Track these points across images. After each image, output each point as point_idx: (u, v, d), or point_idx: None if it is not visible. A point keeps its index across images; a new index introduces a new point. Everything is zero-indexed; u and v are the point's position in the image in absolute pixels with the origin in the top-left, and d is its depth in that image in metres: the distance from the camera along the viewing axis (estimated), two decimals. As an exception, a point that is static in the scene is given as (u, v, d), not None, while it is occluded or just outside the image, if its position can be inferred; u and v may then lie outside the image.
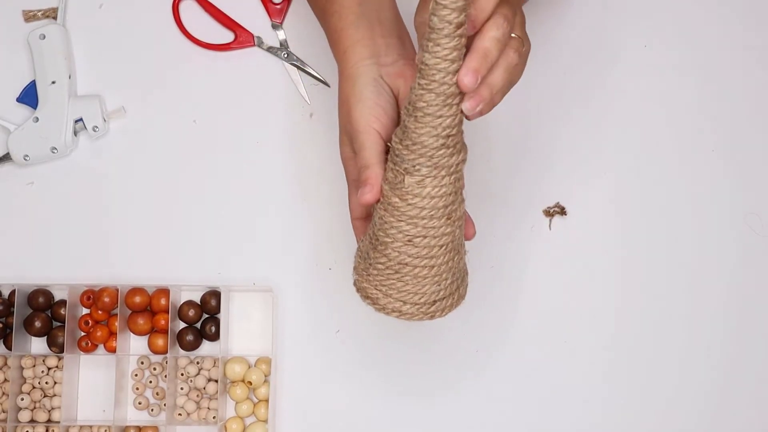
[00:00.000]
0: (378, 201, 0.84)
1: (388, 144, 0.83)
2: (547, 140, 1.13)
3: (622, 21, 1.15)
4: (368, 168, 0.85)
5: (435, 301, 0.86)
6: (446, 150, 0.79)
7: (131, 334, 1.10)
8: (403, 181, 0.80)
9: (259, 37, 1.14)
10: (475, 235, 0.89)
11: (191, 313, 1.09)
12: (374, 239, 0.85)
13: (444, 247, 0.83)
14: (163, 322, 1.08)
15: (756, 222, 1.12)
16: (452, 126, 0.78)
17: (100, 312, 1.09)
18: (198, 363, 1.09)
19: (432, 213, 0.81)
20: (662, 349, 1.10)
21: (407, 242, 0.82)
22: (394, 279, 0.85)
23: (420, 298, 0.85)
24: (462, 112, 0.79)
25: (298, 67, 1.14)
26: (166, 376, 1.08)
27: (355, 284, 0.89)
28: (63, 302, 1.09)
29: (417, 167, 0.80)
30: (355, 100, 0.86)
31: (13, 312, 1.07)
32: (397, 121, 0.86)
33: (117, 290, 1.08)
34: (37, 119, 1.10)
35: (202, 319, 1.10)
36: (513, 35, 0.81)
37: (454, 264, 0.85)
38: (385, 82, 0.88)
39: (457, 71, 0.76)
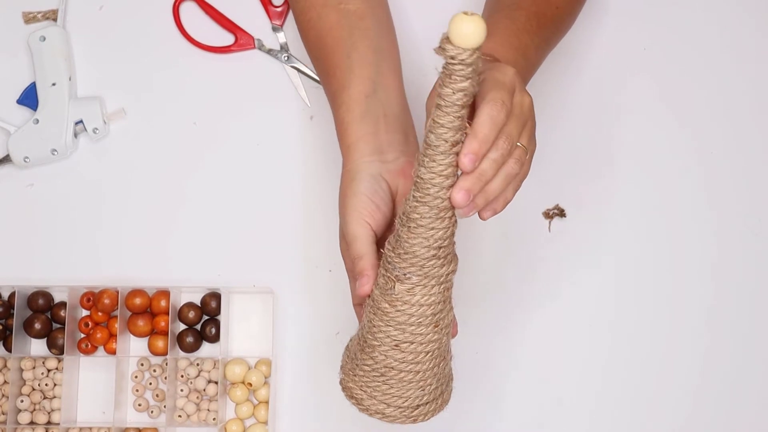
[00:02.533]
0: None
1: (381, 250, 0.85)
2: (546, 143, 1.12)
3: (621, 24, 1.15)
4: (361, 259, 0.87)
5: (418, 406, 0.87)
6: (437, 261, 0.81)
7: (131, 335, 1.09)
8: (394, 287, 0.82)
9: (259, 40, 1.14)
10: (456, 335, 0.90)
11: (191, 314, 1.09)
12: (362, 341, 0.86)
13: (430, 354, 0.84)
14: (163, 323, 1.08)
15: (756, 223, 1.13)
16: (444, 238, 0.80)
17: (100, 314, 1.09)
18: (198, 365, 1.09)
19: (420, 320, 0.82)
20: (662, 350, 1.10)
21: (394, 347, 0.84)
22: (379, 381, 0.86)
23: (404, 402, 0.86)
24: (454, 224, 0.80)
25: (299, 70, 1.14)
26: (166, 378, 1.08)
27: (341, 383, 0.90)
28: (63, 304, 1.09)
29: (408, 275, 0.81)
30: (350, 193, 0.89)
31: (13, 314, 1.07)
32: (391, 219, 0.89)
33: (117, 292, 1.08)
34: (37, 121, 1.10)
35: (202, 321, 1.10)
36: (518, 144, 0.81)
37: (439, 370, 0.86)
38: (384, 179, 0.90)
39: (451, 186, 0.77)
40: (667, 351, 1.10)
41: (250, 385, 1.07)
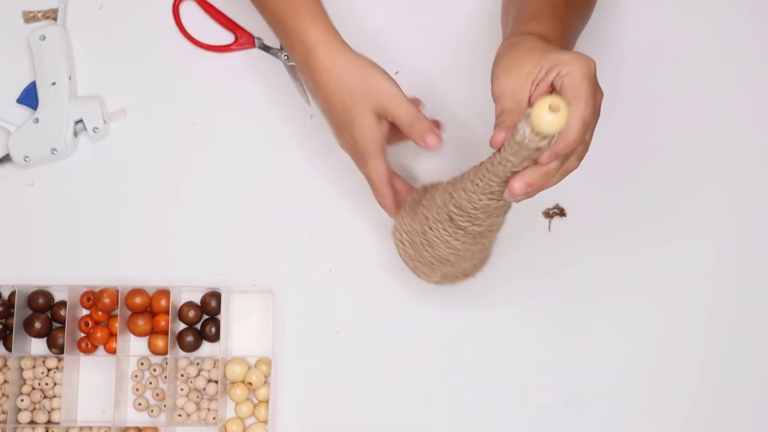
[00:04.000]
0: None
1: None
2: (546, 142, 1.13)
3: (621, 23, 1.15)
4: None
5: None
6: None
7: (131, 335, 1.10)
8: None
9: (259, 39, 1.14)
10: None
11: (191, 314, 1.09)
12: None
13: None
14: (163, 323, 1.08)
15: (756, 223, 1.13)
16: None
17: (100, 313, 1.09)
18: (198, 364, 1.09)
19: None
20: (662, 349, 1.10)
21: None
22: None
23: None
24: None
25: (298, 69, 1.14)
26: (166, 377, 1.08)
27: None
28: (63, 303, 1.09)
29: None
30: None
31: (13, 313, 1.07)
32: None
33: (117, 291, 1.08)
34: (37, 120, 1.10)
35: (202, 320, 1.10)
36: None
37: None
38: None
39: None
40: (667, 351, 1.11)
41: (250, 384, 1.07)
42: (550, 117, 0.75)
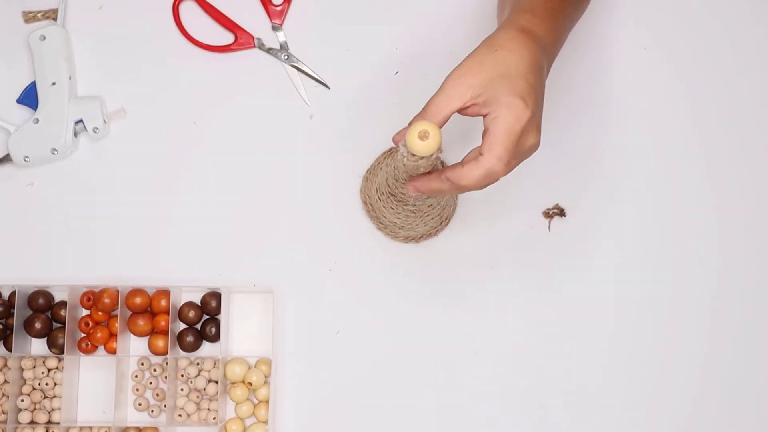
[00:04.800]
0: None
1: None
2: (546, 142, 1.13)
3: (621, 23, 1.15)
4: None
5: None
6: None
7: (131, 335, 1.10)
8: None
9: (259, 39, 1.14)
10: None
11: (191, 314, 1.09)
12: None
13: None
14: (163, 323, 1.08)
15: (757, 223, 1.13)
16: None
17: (100, 313, 1.09)
18: (198, 364, 1.09)
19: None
20: (662, 349, 1.10)
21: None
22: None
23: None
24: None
25: (298, 69, 1.14)
26: (166, 378, 1.08)
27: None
28: (63, 303, 1.09)
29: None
30: None
31: (13, 313, 1.07)
32: None
33: (117, 291, 1.08)
34: (37, 120, 1.10)
35: (203, 320, 1.10)
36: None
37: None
38: None
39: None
40: (667, 350, 1.11)
41: (251, 384, 1.07)
42: (420, 143, 0.84)
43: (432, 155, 0.87)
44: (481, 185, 0.86)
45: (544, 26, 0.92)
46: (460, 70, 0.87)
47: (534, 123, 0.85)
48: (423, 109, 0.88)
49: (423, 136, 0.84)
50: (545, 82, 0.90)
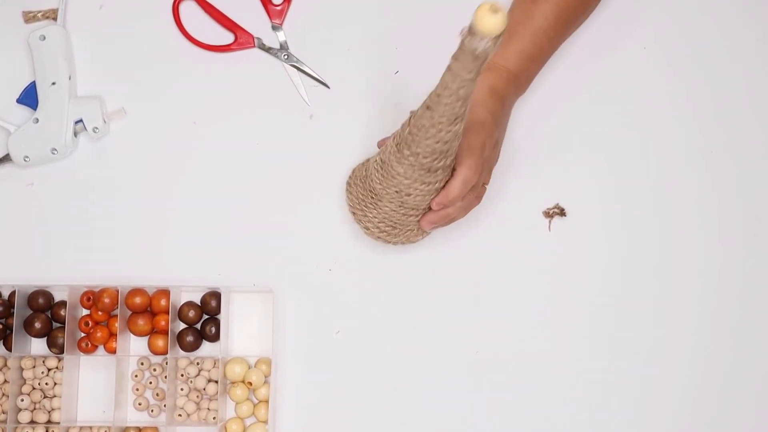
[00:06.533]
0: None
1: None
2: (546, 142, 1.13)
3: (621, 23, 1.15)
4: None
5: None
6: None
7: (131, 335, 1.10)
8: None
9: (259, 39, 1.14)
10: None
11: (191, 313, 1.09)
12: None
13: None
14: (163, 322, 1.08)
15: (757, 224, 1.13)
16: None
17: (100, 313, 1.09)
18: (198, 364, 1.09)
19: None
20: (663, 349, 1.11)
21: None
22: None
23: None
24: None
25: (298, 69, 1.14)
26: (166, 377, 1.08)
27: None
28: (63, 303, 1.09)
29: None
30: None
31: (13, 313, 1.07)
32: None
33: (117, 291, 1.08)
34: (37, 120, 1.10)
35: (202, 320, 1.10)
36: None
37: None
38: None
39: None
40: (667, 350, 1.11)
41: (250, 384, 1.07)
42: (491, 17, 0.78)
43: (499, 36, 0.79)
44: (463, 192, 0.97)
45: (514, 59, 1.03)
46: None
47: (491, 140, 0.99)
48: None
49: (494, 9, 0.77)
50: (511, 104, 1.04)
